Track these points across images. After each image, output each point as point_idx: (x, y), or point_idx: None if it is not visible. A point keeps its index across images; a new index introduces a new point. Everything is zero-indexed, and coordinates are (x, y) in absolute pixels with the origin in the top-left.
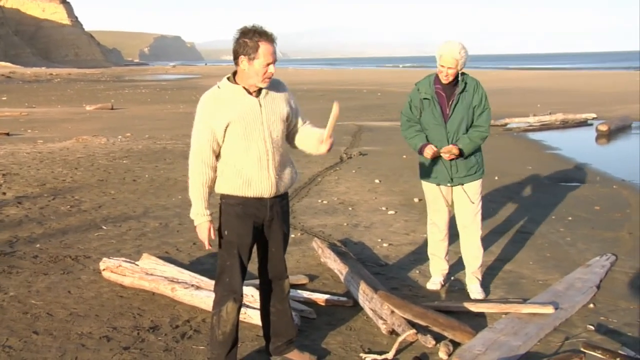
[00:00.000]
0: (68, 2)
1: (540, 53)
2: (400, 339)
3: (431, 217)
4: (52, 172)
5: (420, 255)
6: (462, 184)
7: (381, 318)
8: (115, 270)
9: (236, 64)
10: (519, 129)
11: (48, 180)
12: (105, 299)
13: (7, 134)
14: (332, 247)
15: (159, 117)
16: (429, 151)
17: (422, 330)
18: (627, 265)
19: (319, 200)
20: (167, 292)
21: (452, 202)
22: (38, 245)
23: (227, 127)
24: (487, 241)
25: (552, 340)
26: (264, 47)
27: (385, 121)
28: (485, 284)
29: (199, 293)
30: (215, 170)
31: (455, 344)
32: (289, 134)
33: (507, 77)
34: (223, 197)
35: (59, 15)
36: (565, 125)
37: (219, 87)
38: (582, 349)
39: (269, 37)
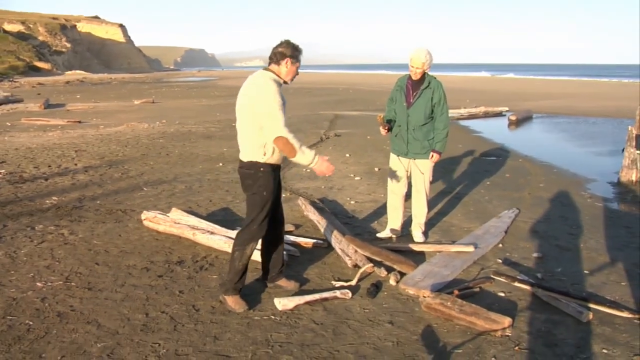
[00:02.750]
0: (124, 26)
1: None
2: (361, 270)
3: (390, 182)
4: (109, 149)
5: (378, 210)
6: (415, 159)
7: (347, 255)
8: (152, 220)
9: (277, 62)
10: (452, 117)
11: (106, 155)
12: (145, 240)
13: (79, 122)
14: (312, 203)
15: (187, 108)
16: (382, 130)
17: (377, 264)
18: (527, 216)
19: (303, 170)
20: (189, 236)
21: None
22: (98, 202)
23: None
24: (433, 201)
25: (472, 270)
26: (300, 57)
27: (355, 111)
28: (425, 231)
29: (213, 237)
30: None
31: (402, 274)
32: None
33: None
34: (264, 165)
35: (117, 35)
36: (486, 115)
37: (273, 79)
38: (491, 276)
39: (302, 52)
